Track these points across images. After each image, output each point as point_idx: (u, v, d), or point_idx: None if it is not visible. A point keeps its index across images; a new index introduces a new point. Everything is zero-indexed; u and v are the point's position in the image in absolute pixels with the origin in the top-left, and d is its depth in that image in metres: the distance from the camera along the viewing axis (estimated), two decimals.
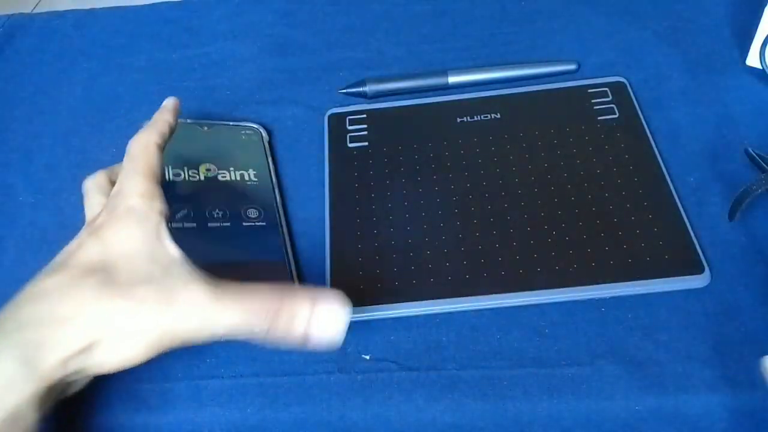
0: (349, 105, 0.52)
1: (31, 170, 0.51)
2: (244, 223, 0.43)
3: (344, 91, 0.52)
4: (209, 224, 0.42)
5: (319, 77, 0.54)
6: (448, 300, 0.40)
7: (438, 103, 0.51)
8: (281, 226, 0.44)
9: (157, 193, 0.36)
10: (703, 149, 0.45)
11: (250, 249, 0.42)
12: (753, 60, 0.49)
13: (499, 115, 0.49)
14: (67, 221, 0.47)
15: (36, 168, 0.51)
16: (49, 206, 0.48)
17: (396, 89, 0.52)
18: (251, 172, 0.46)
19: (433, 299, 0.40)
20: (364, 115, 0.50)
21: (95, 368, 0.33)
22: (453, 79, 0.52)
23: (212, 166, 0.46)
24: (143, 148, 0.37)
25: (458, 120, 0.49)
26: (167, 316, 0.33)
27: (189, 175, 0.45)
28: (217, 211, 0.43)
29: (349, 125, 0.50)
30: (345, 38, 0.57)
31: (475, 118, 0.49)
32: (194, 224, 0.42)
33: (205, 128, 0.48)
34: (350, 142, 0.49)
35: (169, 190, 0.41)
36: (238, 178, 0.45)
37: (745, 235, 0.41)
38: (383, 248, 0.43)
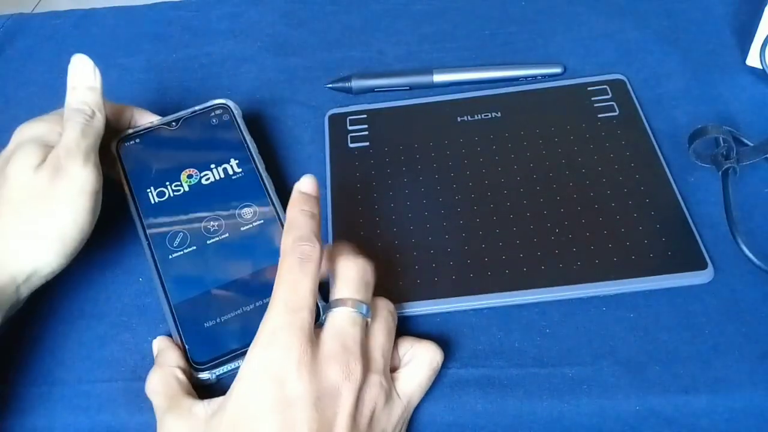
0: (349, 105, 0.52)
1: None
2: (242, 228, 0.41)
3: (330, 85, 0.53)
4: (208, 241, 0.41)
5: (319, 77, 0.54)
6: (449, 299, 0.40)
7: (438, 102, 0.51)
8: (277, 214, 0.42)
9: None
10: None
11: (256, 253, 0.40)
12: (753, 60, 0.49)
13: (499, 114, 0.49)
14: None
15: None
16: None
17: (380, 86, 0.52)
18: (233, 162, 0.44)
19: (435, 298, 0.40)
20: (365, 116, 0.50)
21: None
22: (438, 78, 0.52)
23: (193, 171, 0.43)
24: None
25: (458, 119, 0.49)
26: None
27: (173, 190, 0.43)
28: (212, 223, 0.42)
29: (350, 125, 0.50)
30: (345, 38, 0.57)
31: (476, 117, 0.49)
32: (194, 247, 0.41)
33: (173, 125, 0.46)
34: (351, 143, 0.49)
35: (157, 214, 0.42)
36: (222, 174, 0.43)
37: (747, 233, 0.41)
38: (385, 248, 0.43)
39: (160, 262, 0.40)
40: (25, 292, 0.38)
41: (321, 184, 0.47)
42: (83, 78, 0.42)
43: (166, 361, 0.37)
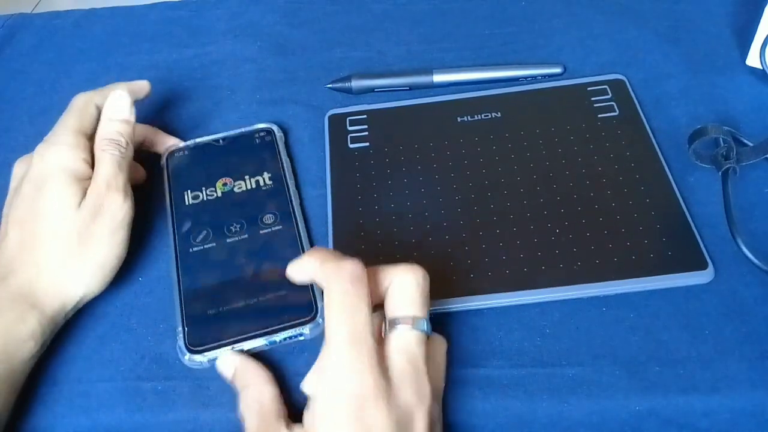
0: (349, 105, 0.52)
1: None
2: (261, 231, 0.44)
3: (330, 85, 0.53)
4: (228, 240, 0.43)
5: (319, 77, 0.54)
6: (450, 299, 0.40)
7: (438, 102, 0.51)
8: (296, 225, 0.44)
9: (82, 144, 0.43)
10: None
11: (268, 256, 0.42)
12: (753, 60, 0.49)
13: (499, 114, 0.49)
14: None
15: None
16: None
17: (380, 86, 0.52)
18: (266, 175, 0.47)
19: (435, 298, 0.40)
20: (365, 116, 0.50)
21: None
22: (438, 78, 0.52)
23: (228, 180, 0.47)
24: (83, 103, 0.44)
25: (459, 119, 0.49)
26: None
27: (207, 195, 0.46)
28: (234, 224, 0.44)
29: (350, 126, 0.50)
30: (345, 38, 0.57)
31: (476, 118, 0.49)
32: (213, 243, 0.43)
33: (221, 142, 0.49)
34: (351, 143, 0.49)
35: (188, 212, 0.45)
36: (254, 185, 0.46)
37: (747, 233, 0.41)
38: (385, 248, 0.43)
39: (180, 253, 0.43)
40: (69, 315, 0.41)
41: (321, 183, 0.47)
42: (120, 111, 0.45)
43: (255, 380, 0.38)
